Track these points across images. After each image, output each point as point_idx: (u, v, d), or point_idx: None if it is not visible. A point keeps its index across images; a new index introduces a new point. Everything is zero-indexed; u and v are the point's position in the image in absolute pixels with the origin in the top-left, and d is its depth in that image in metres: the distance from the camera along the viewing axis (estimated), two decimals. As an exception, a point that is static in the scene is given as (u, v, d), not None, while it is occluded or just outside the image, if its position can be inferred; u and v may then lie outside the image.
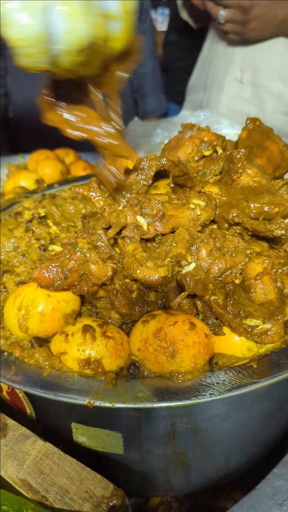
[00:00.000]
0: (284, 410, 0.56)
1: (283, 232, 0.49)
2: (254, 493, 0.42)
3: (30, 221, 0.67)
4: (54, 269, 0.47)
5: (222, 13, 1.12)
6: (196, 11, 1.30)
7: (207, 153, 0.69)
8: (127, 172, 0.70)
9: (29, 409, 0.53)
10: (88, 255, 0.48)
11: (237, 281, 0.49)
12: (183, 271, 0.46)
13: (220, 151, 0.70)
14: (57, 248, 0.54)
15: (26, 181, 0.99)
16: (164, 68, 2.20)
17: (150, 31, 2.04)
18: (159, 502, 0.60)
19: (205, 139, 0.70)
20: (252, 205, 0.51)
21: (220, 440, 0.53)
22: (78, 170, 1.06)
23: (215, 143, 0.70)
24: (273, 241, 0.53)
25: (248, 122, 0.68)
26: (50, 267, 0.47)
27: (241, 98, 1.28)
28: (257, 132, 0.67)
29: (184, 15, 1.52)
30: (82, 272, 0.48)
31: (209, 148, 0.70)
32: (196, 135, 0.71)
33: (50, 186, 0.85)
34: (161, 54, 2.30)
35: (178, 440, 0.50)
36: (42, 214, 0.70)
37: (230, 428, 0.52)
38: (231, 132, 0.89)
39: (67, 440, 0.51)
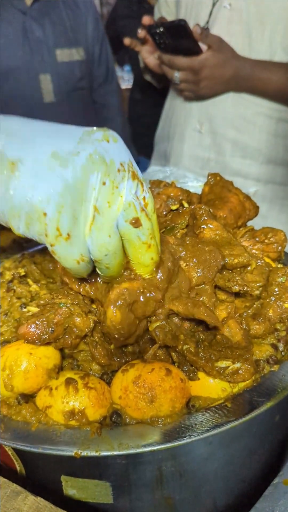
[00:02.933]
0: (265, 446, 0.59)
1: (240, 288, 0.54)
2: (238, 528, 0.45)
3: (11, 281, 0.70)
4: (40, 324, 0.51)
5: (177, 75, 1.25)
6: (156, 73, 1.42)
7: (174, 207, 0.75)
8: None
9: (18, 466, 0.55)
10: (73, 309, 0.52)
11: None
12: (153, 325, 0.50)
13: (186, 205, 0.75)
14: (33, 308, 0.57)
15: (4, 242, 1.03)
16: (131, 124, 2.32)
17: (117, 91, 2.16)
18: None
19: (171, 194, 0.76)
20: None
21: (205, 480, 0.55)
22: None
23: (180, 198, 0.76)
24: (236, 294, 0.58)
25: (209, 177, 0.74)
26: (37, 322, 0.51)
27: (202, 146, 1.39)
28: (218, 186, 0.73)
29: (148, 77, 1.64)
30: (66, 325, 0.52)
31: (176, 203, 0.75)
32: (163, 191, 0.77)
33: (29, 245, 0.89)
34: (126, 110, 2.43)
35: (165, 484, 0.52)
36: (22, 273, 0.73)
37: (214, 467, 0.54)
38: (196, 184, 0.95)
39: (58, 494, 0.53)
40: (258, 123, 1.30)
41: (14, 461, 0.54)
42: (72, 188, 0.41)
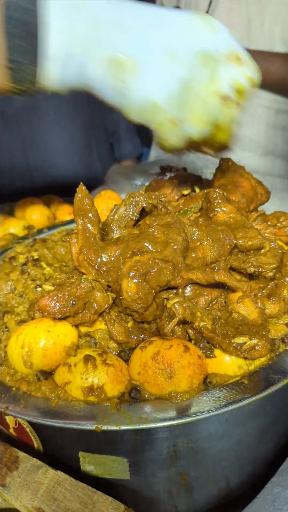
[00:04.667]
0: (277, 425, 0.60)
1: (255, 269, 0.55)
2: (256, 501, 0.46)
3: (25, 263, 0.71)
4: (61, 297, 0.51)
5: None
6: None
7: (185, 192, 0.75)
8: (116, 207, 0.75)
9: (36, 443, 0.56)
10: (94, 284, 0.53)
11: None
12: (171, 302, 0.50)
13: (197, 189, 0.76)
14: (48, 287, 0.57)
15: (15, 228, 1.03)
16: None
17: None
18: (166, 526, 0.61)
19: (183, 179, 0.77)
20: None
21: (220, 458, 0.56)
22: (64, 214, 1.11)
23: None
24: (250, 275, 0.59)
25: (221, 162, 0.75)
26: (59, 295, 0.51)
27: None
28: (230, 171, 0.73)
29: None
30: (87, 300, 0.52)
31: (187, 188, 0.76)
32: (174, 177, 0.77)
33: (40, 231, 0.90)
34: None
35: (180, 461, 0.53)
36: (36, 257, 0.74)
37: (228, 445, 0.55)
38: (206, 171, 0.96)
39: (75, 471, 0.53)
40: (257, 115, 1.30)
41: (32, 438, 0.55)
42: (186, 85, 0.49)
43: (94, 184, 2.08)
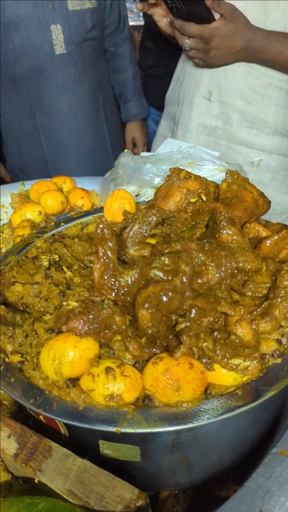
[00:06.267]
0: (263, 417, 0.71)
1: (252, 294, 0.63)
2: (242, 489, 0.57)
3: (48, 268, 0.79)
4: (86, 320, 0.60)
5: (187, 42, 1.25)
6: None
7: (193, 200, 0.82)
8: (125, 214, 0.83)
9: (63, 430, 0.67)
10: (114, 309, 0.62)
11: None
12: (180, 326, 0.59)
13: (204, 198, 0.83)
14: (73, 303, 0.66)
15: (31, 213, 1.11)
16: (141, 74, 2.29)
17: (129, 40, 2.12)
18: (168, 494, 0.75)
19: (191, 188, 0.83)
20: None
21: (216, 444, 0.67)
22: (76, 198, 1.18)
23: (199, 191, 0.83)
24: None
25: (228, 175, 0.81)
26: (84, 318, 0.61)
27: (210, 114, 1.42)
28: (235, 185, 0.80)
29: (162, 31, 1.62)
30: (107, 322, 0.62)
31: (195, 196, 0.83)
32: (183, 185, 0.84)
33: (58, 225, 0.97)
34: (137, 59, 2.39)
35: (182, 449, 0.64)
36: (57, 259, 0.82)
37: (223, 435, 0.66)
38: (212, 167, 1.01)
39: (95, 452, 0.65)
40: (267, 94, 1.33)
41: (60, 425, 0.66)
42: None
43: (99, 147, 2.11)
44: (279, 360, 0.63)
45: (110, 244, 0.63)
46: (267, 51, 1.23)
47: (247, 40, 1.22)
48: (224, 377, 0.61)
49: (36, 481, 0.59)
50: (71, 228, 0.97)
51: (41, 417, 0.69)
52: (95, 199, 1.23)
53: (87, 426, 0.57)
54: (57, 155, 2.04)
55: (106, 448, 0.65)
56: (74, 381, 0.62)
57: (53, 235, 0.93)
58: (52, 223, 0.98)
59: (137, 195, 1.08)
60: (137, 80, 2.19)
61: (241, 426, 0.68)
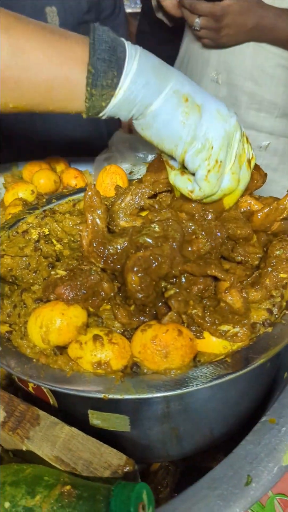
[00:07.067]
0: (254, 389, 0.71)
1: (242, 258, 0.63)
2: (232, 455, 0.57)
3: (37, 241, 0.78)
4: (74, 287, 0.60)
5: (198, 21, 1.22)
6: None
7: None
8: (117, 188, 0.82)
9: (52, 400, 0.66)
10: (102, 276, 0.61)
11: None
12: (169, 293, 0.59)
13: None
14: (61, 272, 0.65)
15: (24, 192, 1.10)
16: None
17: (124, 24, 2.10)
18: (159, 466, 0.74)
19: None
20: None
21: (206, 415, 0.67)
22: (70, 178, 1.17)
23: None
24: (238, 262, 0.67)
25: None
26: (72, 284, 0.60)
27: (218, 96, 1.39)
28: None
29: (159, 15, 1.60)
30: (95, 289, 0.61)
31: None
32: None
33: (49, 201, 0.96)
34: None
35: (172, 419, 0.64)
36: (47, 232, 0.81)
37: (213, 406, 0.66)
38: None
39: (84, 423, 0.65)
40: (276, 75, 1.30)
41: (49, 396, 0.66)
42: (228, 136, 0.61)
43: (96, 131, 2.09)
44: (269, 329, 0.62)
45: (99, 212, 0.62)
46: (279, 29, 1.21)
47: (259, 17, 1.19)
48: (214, 345, 0.60)
49: (23, 449, 0.59)
50: (63, 205, 0.96)
51: (30, 388, 0.68)
52: (88, 179, 1.22)
53: (74, 392, 0.57)
54: (52, 139, 2.02)
55: (96, 418, 0.64)
56: (61, 350, 0.62)
57: (44, 211, 0.92)
58: (44, 200, 0.97)
59: (130, 173, 1.07)
60: None
61: (231, 397, 0.68)
